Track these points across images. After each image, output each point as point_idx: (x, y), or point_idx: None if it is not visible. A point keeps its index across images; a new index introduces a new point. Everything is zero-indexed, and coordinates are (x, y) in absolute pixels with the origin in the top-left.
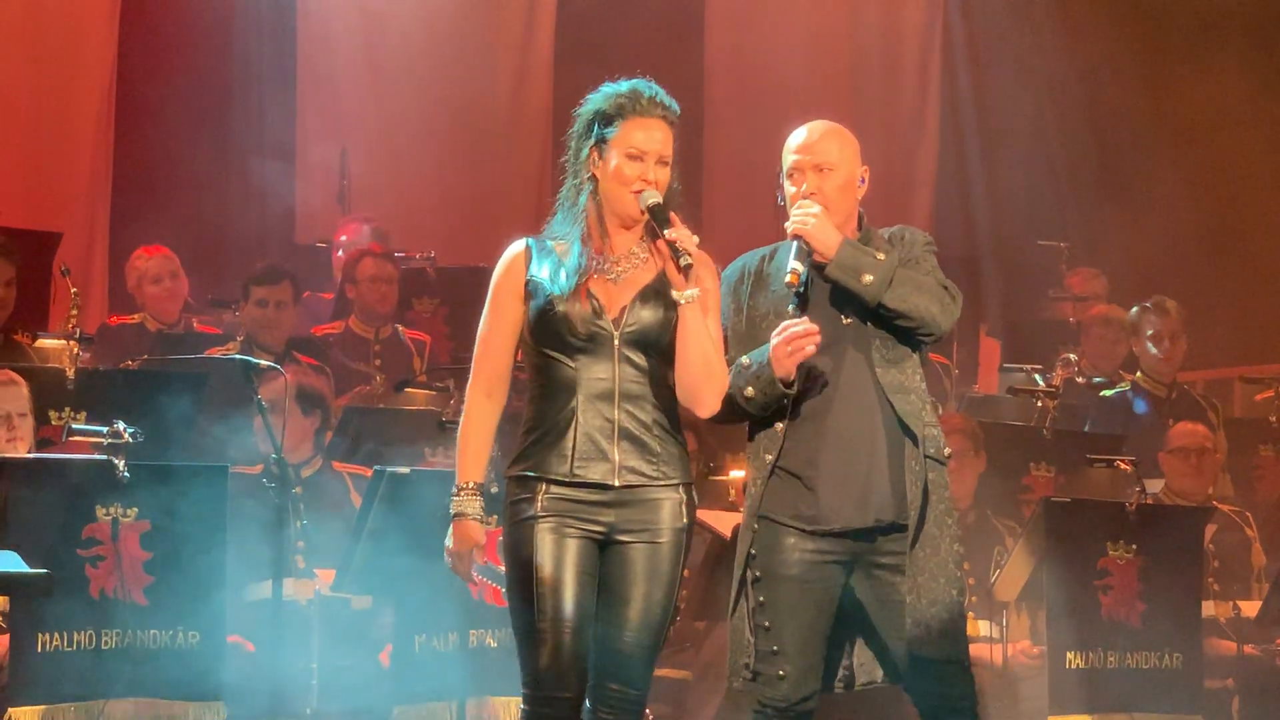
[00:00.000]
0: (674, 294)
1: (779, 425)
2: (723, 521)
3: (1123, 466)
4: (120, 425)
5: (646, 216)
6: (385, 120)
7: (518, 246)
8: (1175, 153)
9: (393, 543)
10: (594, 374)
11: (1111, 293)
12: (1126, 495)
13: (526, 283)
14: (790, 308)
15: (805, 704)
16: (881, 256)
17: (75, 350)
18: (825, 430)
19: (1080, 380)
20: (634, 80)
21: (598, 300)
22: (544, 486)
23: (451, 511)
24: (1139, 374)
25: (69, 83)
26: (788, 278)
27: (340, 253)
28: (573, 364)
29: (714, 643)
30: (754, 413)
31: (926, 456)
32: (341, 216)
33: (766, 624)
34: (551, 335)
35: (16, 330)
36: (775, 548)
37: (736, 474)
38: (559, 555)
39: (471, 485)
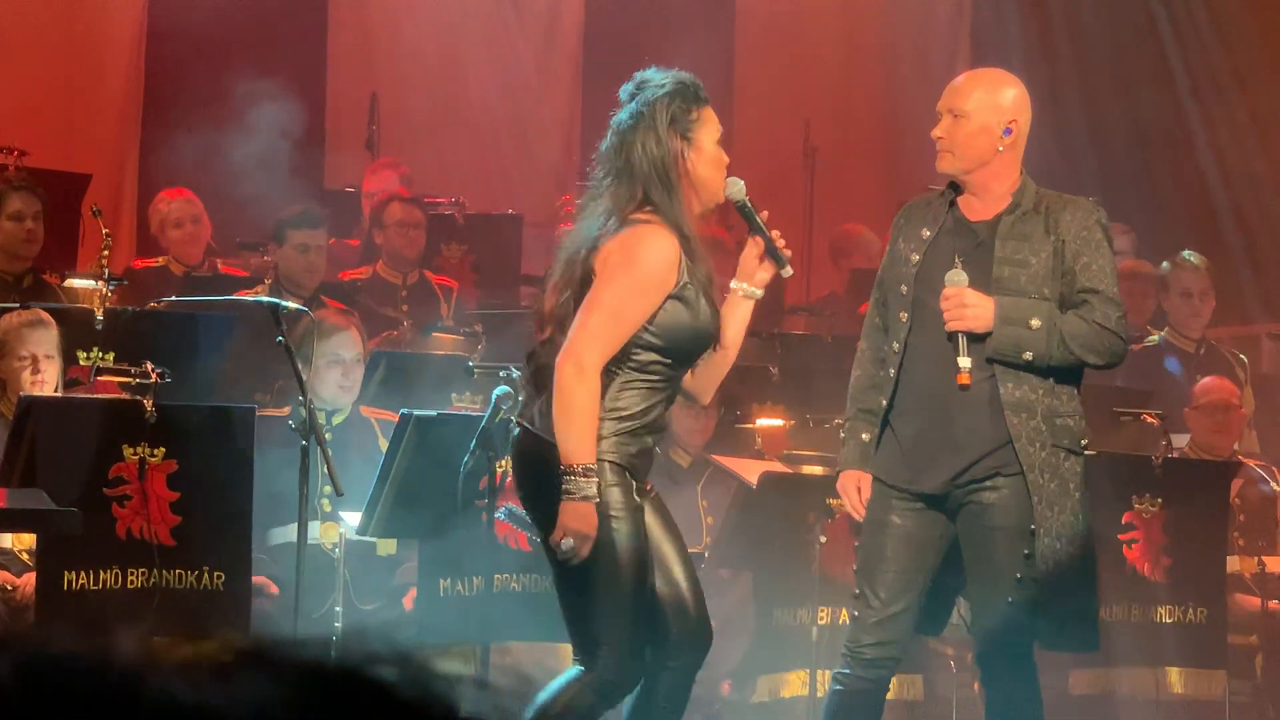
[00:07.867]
0: (745, 287)
1: (892, 370)
2: (749, 470)
3: (1149, 420)
4: (148, 365)
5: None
6: (415, 65)
7: (672, 243)
8: (1203, 110)
9: (418, 487)
10: (680, 375)
11: (1139, 248)
12: (1153, 449)
13: (683, 286)
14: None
15: (891, 648)
16: (1036, 323)
17: (105, 291)
18: (924, 400)
19: None
20: (670, 71)
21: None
22: (634, 484)
23: (578, 493)
24: (1166, 329)
25: (100, 26)
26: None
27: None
28: (679, 372)
29: (738, 591)
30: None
31: (1056, 446)
32: (370, 162)
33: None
34: (690, 352)
35: (46, 270)
36: (877, 497)
37: (764, 422)
38: (642, 544)
39: (591, 468)
